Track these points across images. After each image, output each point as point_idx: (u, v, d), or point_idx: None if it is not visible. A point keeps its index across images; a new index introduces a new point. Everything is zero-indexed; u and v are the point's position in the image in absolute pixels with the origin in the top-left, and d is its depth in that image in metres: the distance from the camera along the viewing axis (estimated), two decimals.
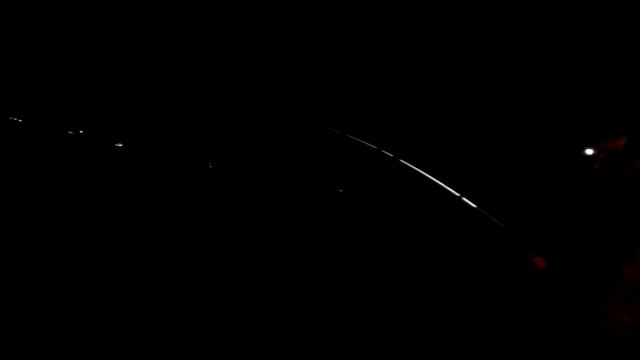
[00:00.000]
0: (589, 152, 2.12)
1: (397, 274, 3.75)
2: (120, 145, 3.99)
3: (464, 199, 2.64)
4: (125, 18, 4.10)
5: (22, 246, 3.75)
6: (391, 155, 2.69)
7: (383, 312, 3.43)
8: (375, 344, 3.20)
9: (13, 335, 2.92)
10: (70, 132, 3.88)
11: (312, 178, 4.02)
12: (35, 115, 3.95)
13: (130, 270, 3.69)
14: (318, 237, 3.95)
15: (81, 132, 3.92)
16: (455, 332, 3.27)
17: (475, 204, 2.64)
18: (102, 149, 4.02)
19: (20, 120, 3.80)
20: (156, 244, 4.11)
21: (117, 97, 4.16)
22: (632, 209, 1.99)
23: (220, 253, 4.11)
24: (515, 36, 3.26)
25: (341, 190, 4.06)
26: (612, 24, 3.08)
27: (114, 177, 3.96)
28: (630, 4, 3.02)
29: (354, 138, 2.78)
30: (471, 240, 3.52)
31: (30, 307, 3.21)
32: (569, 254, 2.12)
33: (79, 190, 4.02)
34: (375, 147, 2.73)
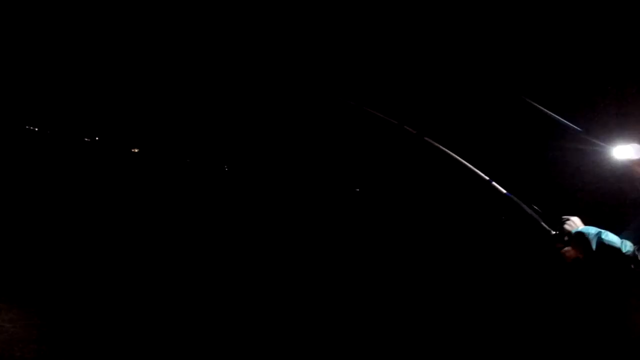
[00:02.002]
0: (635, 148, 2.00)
1: (420, 260, 3.66)
2: (136, 150, 3.96)
3: (494, 183, 2.52)
4: (143, 29, 4.11)
5: (45, 250, 3.74)
6: (414, 132, 2.47)
7: (403, 298, 3.38)
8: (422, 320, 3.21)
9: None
10: (86, 139, 3.86)
11: (329, 166, 3.91)
12: (50, 124, 3.95)
13: (150, 271, 3.67)
14: (344, 226, 3.87)
15: (97, 138, 3.90)
16: (481, 321, 3.19)
17: (505, 189, 2.52)
18: (118, 154, 3.99)
19: (36, 129, 3.79)
20: (175, 245, 4.08)
21: (132, 104, 4.15)
22: None
23: (238, 253, 4.06)
24: (558, 27, 3.16)
25: (358, 190, 3.97)
26: None
27: (132, 182, 3.93)
28: None
29: (373, 111, 2.50)
30: (499, 228, 3.40)
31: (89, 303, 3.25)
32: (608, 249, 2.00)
33: (97, 195, 3.99)
34: (397, 123, 2.49)
